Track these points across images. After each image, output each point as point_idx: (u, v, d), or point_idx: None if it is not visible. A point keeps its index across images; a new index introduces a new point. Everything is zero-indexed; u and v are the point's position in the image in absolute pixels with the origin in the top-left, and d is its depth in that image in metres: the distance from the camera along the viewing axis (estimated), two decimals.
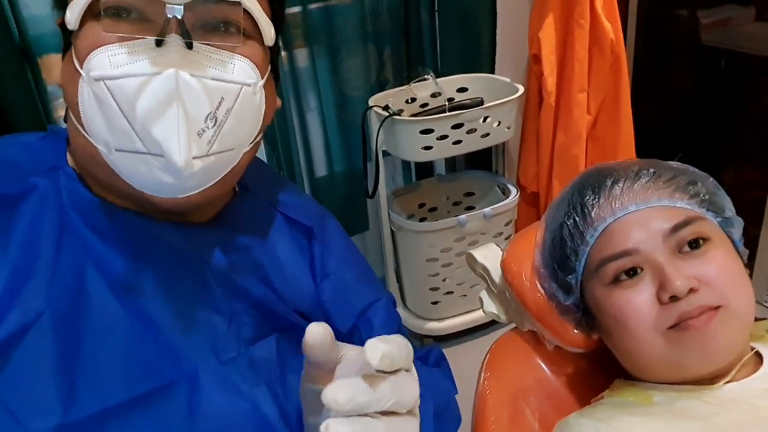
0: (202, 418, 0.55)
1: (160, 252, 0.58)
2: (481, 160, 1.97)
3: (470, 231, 1.74)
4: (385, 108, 1.64)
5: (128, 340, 0.54)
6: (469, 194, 2.00)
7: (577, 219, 0.68)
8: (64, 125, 0.64)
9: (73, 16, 0.52)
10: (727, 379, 0.63)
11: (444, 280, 1.82)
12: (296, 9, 1.70)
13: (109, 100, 0.50)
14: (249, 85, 0.56)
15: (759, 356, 0.66)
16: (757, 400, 0.61)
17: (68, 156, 0.61)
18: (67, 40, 0.56)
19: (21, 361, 0.49)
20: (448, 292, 1.85)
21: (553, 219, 0.72)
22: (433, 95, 1.79)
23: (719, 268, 0.62)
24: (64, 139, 0.62)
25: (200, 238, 0.61)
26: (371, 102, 1.71)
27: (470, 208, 1.96)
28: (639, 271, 0.64)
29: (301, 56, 1.75)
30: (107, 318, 0.54)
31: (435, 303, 1.86)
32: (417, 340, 1.90)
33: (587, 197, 0.68)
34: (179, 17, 0.51)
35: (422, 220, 1.97)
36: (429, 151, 1.62)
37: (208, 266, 0.60)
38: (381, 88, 1.82)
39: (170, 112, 0.50)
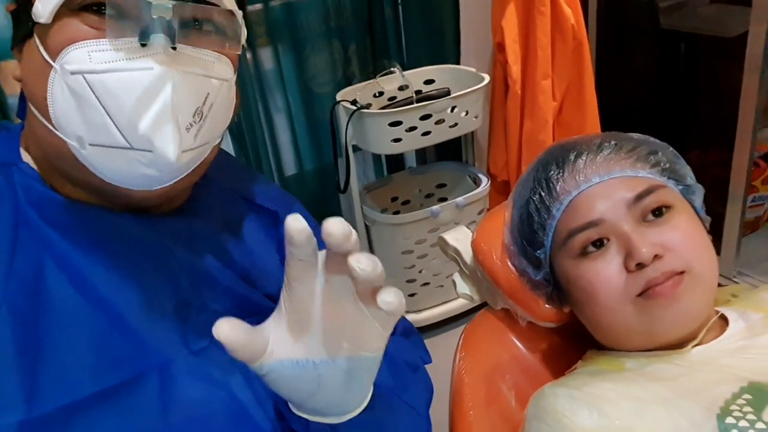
0: (175, 409, 0.55)
1: (123, 244, 0.58)
2: (451, 151, 1.98)
3: (444, 221, 1.75)
4: (353, 102, 1.64)
5: (93, 333, 0.53)
6: (441, 185, 2.01)
7: (542, 194, 0.69)
8: (18, 121, 0.63)
9: (46, 9, 0.51)
10: (695, 342, 0.64)
11: (420, 271, 1.83)
12: (258, 6, 1.69)
13: (88, 95, 0.49)
14: (227, 81, 0.57)
15: (724, 319, 0.68)
16: (724, 360, 0.62)
17: (22, 152, 0.60)
18: (24, 30, 0.54)
19: None
20: (424, 284, 1.86)
21: (520, 196, 0.73)
22: (401, 88, 1.79)
23: (683, 234, 0.64)
24: (18, 135, 0.61)
25: (164, 228, 0.61)
26: (339, 97, 1.71)
27: (443, 200, 1.97)
28: (605, 241, 0.65)
29: (265, 54, 1.74)
30: (70, 312, 0.53)
31: (412, 295, 1.87)
32: None
33: (552, 172, 0.69)
34: (166, 18, 0.51)
35: (395, 213, 1.97)
36: (398, 143, 1.63)
37: (173, 256, 0.60)
38: (348, 84, 1.82)
39: (163, 108, 0.50)
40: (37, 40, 0.53)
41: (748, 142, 1.74)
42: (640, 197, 0.64)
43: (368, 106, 1.68)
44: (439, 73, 1.85)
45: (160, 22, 0.51)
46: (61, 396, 0.50)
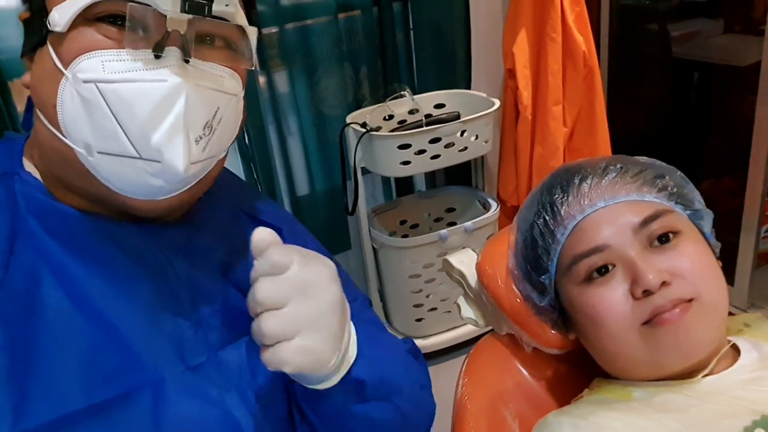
0: (168, 426, 0.54)
1: (122, 255, 0.57)
2: (461, 176, 1.98)
3: (452, 246, 1.74)
4: (363, 125, 1.65)
5: (87, 347, 0.53)
6: (450, 210, 2.00)
7: (547, 218, 0.68)
8: (23, 132, 0.64)
9: (63, 18, 0.52)
10: (705, 372, 0.62)
11: (427, 296, 1.81)
12: (273, 29, 1.71)
13: (99, 103, 0.50)
14: (236, 96, 0.58)
15: (736, 349, 0.66)
16: (735, 391, 0.60)
17: (25, 161, 0.60)
18: (37, 38, 0.55)
19: None
20: (432, 309, 1.84)
21: (524, 220, 0.72)
22: (411, 112, 1.80)
23: (691, 260, 0.62)
24: (21, 146, 0.61)
25: (164, 241, 0.60)
26: (349, 119, 1.71)
27: (452, 224, 1.96)
28: (611, 267, 0.63)
29: (278, 76, 1.75)
30: (64, 325, 0.52)
31: (419, 320, 1.85)
32: None
33: (556, 195, 0.68)
34: (181, 32, 0.52)
35: (404, 236, 1.96)
36: (407, 166, 1.62)
37: (172, 269, 0.60)
38: (358, 107, 1.83)
39: (175, 120, 0.50)
40: (50, 48, 0.53)
41: (762, 172, 1.72)
42: (646, 222, 0.63)
43: (378, 129, 1.68)
44: (449, 97, 1.85)
45: (175, 36, 0.51)
46: (50, 409, 0.50)
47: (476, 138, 1.67)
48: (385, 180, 2.05)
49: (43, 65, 0.54)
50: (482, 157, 1.87)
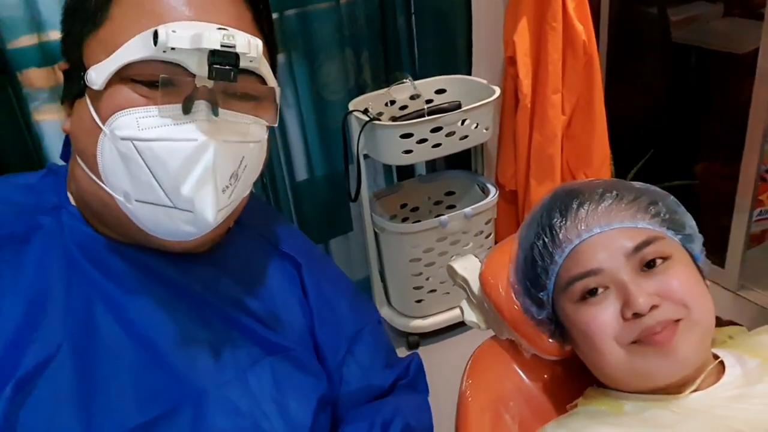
0: None
1: (159, 286, 0.62)
2: (461, 161, 2.00)
3: (451, 231, 1.78)
4: (365, 112, 1.67)
5: (136, 367, 0.58)
6: (450, 193, 2.04)
7: (546, 240, 0.72)
8: (61, 162, 0.67)
9: (99, 78, 0.55)
10: (692, 387, 0.66)
11: (427, 279, 1.86)
12: (274, 15, 1.70)
13: (136, 159, 0.54)
14: (260, 141, 0.62)
15: (722, 364, 0.70)
16: (718, 410, 0.64)
17: (69, 194, 0.64)
18: (76, 89, 0.59)
19: (43, 393, 0.53)
20: (431, 291, 1.89)
21: (525, 238, 0.76)
22: (412, 97, 1.82)
23: (680, 282, 0.66)
24: (64, 179, 0.65)
25: (195, 274, 0.65)
26: (351, 106, 1.73)
27: (451, 207, 2.00)
28: (604, 289, 0.67)
29: (279, 62, 1.76)
30: (116, 348, 0.58)
31: (419, 301, 1.90)
32: (402, 337, 1.94)
33: (555, 219, 0.72)
34: (209, 87, 0.55)
35: (404, 220, 2.00)
36: (409, 154, 1.65)
37: (202, 298, 0.64)
38: (360, 92, 1.84)
39: (203, 173, 0.54)
40: (89, 102, 0.57)
41: (756, 154, 1.75)
42: (638, 248, 0.67)
43: (380, 115, 1.70)
44: (450, 83, 1.87)
45: (204, 90, 0.55)
46: (112, 426, 0.55)
47: (477, 126, 1.70)
48: (387, 165, 2.07)
49: (81, 117, 0.58)
50: (482, 143, 1.90)
